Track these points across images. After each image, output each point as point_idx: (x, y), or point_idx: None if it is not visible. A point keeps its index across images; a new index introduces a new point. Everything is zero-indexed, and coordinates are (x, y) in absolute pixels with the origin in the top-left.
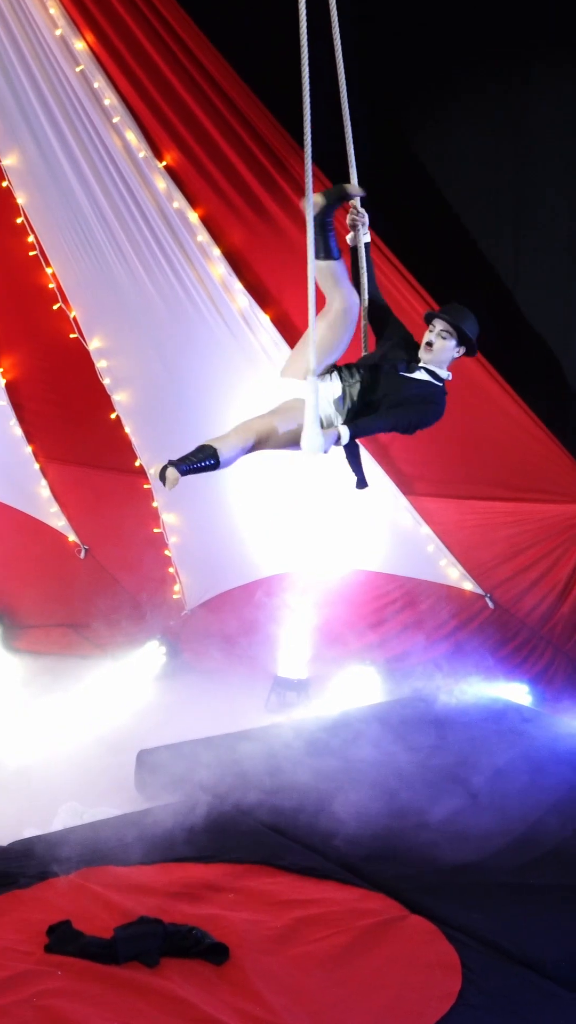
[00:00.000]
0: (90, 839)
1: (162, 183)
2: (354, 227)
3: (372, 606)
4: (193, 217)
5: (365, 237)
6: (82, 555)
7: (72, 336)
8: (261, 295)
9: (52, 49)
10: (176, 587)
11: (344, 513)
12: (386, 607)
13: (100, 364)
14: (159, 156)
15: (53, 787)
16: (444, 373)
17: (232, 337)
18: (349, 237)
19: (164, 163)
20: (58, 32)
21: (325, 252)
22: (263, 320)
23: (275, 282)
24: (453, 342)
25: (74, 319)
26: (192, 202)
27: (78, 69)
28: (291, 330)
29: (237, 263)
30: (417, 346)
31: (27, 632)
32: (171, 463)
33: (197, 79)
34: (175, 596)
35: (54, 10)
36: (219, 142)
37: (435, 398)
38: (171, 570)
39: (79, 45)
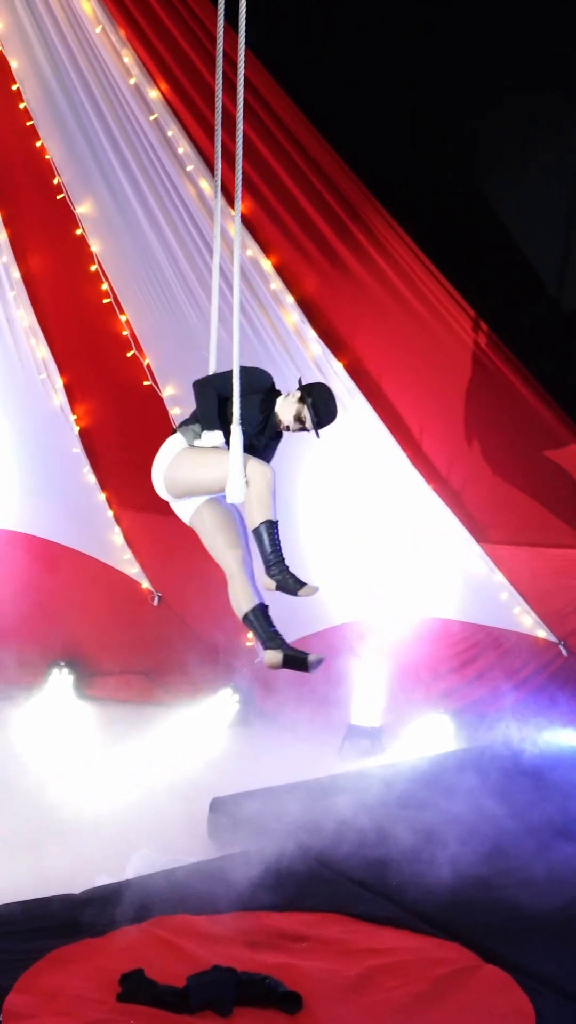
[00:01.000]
0: (163, 887)
1: (233, 230)
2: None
3: (445, 654)
4: (267, 265)
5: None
6: (155, 602)
7: (146, 383)
8: (334, 342)
9: (126, 98)
10: (249, 634)
11: (417, 560)
12: (459, 655)
13: (174, 411)
14: (233, 204)
15: (126, 835)
16: None
17: None
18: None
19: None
20: (132, 81)
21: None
22: (336, 367)
23: (348, 329)
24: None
25: (148, 366)
26: (266, 250)
27: (152, 118)
28: (364, 377)
29: (310, 310)
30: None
31: (100, 679)
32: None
33: (271, 127)
34: (248, 643)
35: (128, 59)
36: (292, 190)
37: None
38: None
39: (153, 94)
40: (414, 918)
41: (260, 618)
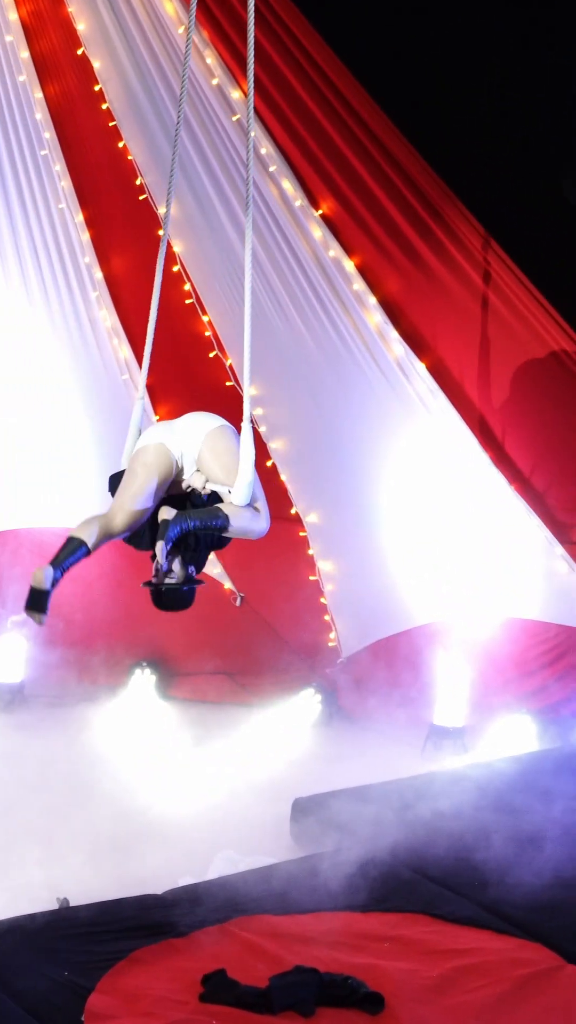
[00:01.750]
0: (245, 888)
1: (318, 232)
2: None
3: (528, 654)
4: (349, 266)
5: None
6: (238, 603)
7: (228, 384)
8: (417, 343)
9: (209, 98)
10: (332, 635)
11: (499, 561)
12: (542, 655)
13: (256, 412)
14: (315, 205)
15: (209, 835)
16: None
17: (388, 385)
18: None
19: (320, 212)
20: (215, 82)
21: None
22: (419, 368)
23: (431, 330)
24: None
25: (230, 367)
26: (348, 251)
27: (234, 118)
28: (447, 378)
29: (393, 311)
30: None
31: (183, 680)
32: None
33: (352, 127)
34: (331, 644)
35: (211, 60)
36: (374, 190)
37: None
38: (327, 618)
39: (235, 94)
40: (497, 919)
41: (72, 551)
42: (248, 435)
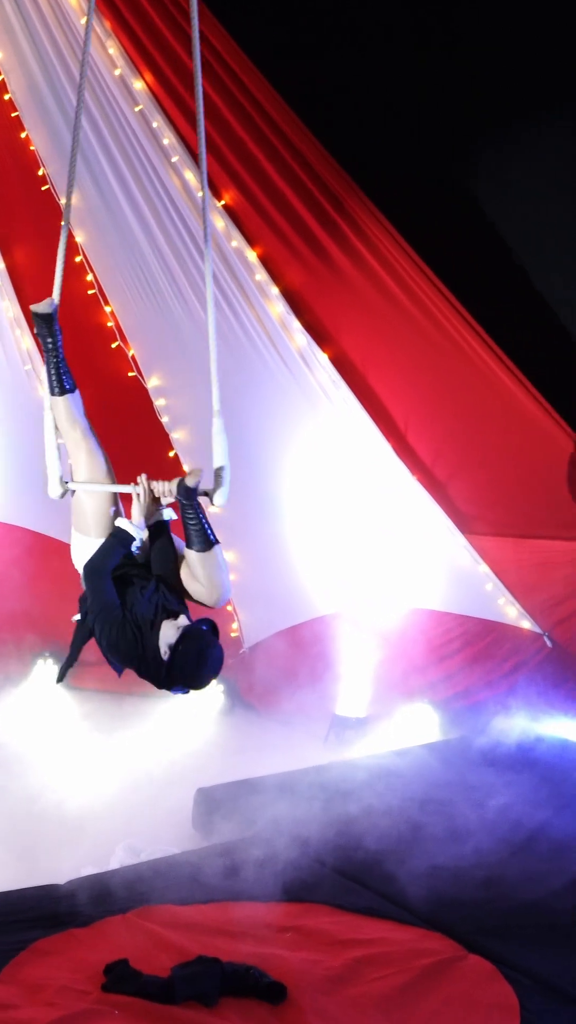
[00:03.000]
0: (148, 877)
1: (220, 222)
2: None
3: (430, 645)
4: (251, 256)
5: (160, 515)
6: None
7: (131, 375)
8: (319, 333)
9: (111, 89)
10: (234, 625)
11: (402, 552)
12: (444, 646)
13: (158, 403)
14: (218, 195)
15: (111, 825)
16: None
17: (290, 375)
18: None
19: (223, 202)
20: (117, 72)
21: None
22: (321, 359)
23: (333, 321)
24: None
25: (132, 358)
26: (250, 241)
27: (137, 109)
28: (349, 369)
29: (295, 302)
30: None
31: (86, 669)
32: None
33: (255, 118)
34: (233, 634)
35: (113, 50)
36: (277, 181)
37: None
38: (229, 608)
39: (138, 85)
40: (399, 909)
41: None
42: (220, 428)
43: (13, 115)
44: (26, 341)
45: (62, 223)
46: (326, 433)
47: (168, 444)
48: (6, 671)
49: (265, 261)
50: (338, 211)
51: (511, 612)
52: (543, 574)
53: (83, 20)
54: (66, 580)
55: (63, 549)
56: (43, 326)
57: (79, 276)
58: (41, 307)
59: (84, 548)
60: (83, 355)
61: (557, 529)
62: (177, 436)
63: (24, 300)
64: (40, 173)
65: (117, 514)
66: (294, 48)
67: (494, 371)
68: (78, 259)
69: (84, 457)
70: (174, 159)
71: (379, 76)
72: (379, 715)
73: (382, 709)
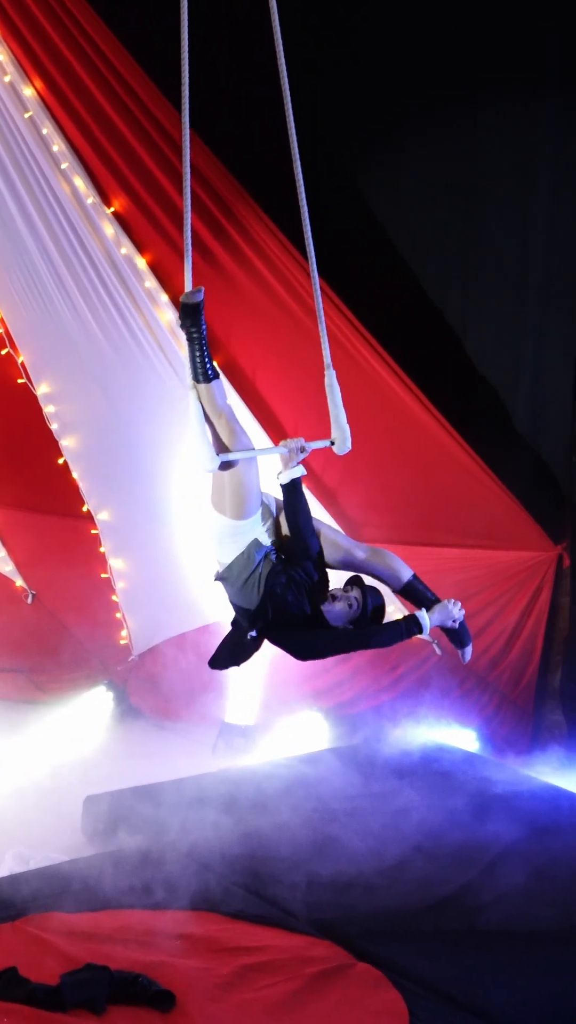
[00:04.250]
0: (36, 885)
1: (110, 229)
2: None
3: None
4: (141, 263)
5: (292, 472)
6: (29, 600)
7: (20, 381)
8: (209, 340)
9: (0, 95)
10: (123, 632)
11: None
12: None
13: (48, 409)
14: (107, 202)
15: None
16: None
17: (179, 382)
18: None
19: (112, 209)
20: (7, 78)
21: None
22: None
23: (223, 328)
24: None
25: (22, 364)
26: (140, 248)
27: (27, 115)
28: (238, 376)
29: None
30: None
31: None
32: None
33: (145, 125)
34: (122, 641)
35: (2, 56)
36: (167, 188)
37: None
38: (118, 615)
39: (28, 91)
40: (287, 916)
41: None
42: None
43: None
44: None
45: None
46: None
47: (57, 451)
48: None
49: (155, 268)
50: (227, 217)
51: None
52: (432, 581)
53: None
54: None
55: None
56: (192, 316)
57: None
58: (192, 297)
59: (225, 530)
60: None
61: (448, 535)
62: (66, 443)
63: None
64: None
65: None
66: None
67: (384, 378)
68: None
69: (230, 438)
70: (64, 165)
71: (267, 77)
72: (268, 723)
73: (271, 717)
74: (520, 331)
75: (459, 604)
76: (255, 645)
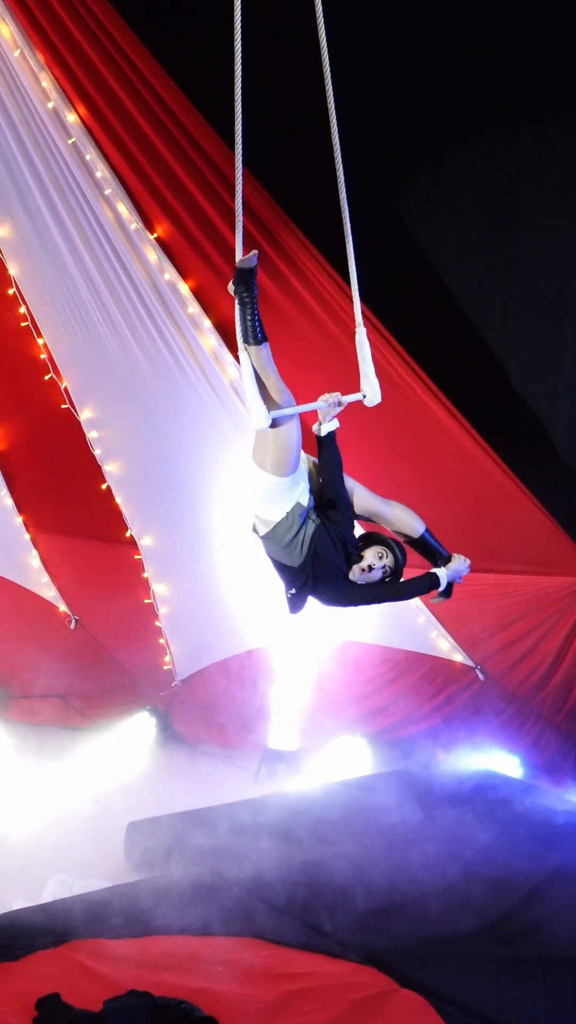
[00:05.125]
0: (79, 911)
1: (153, 255)
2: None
3: (362, 677)
4: (184, 289)
5: (329, 425)
6: (72, 625)
7: (63, 407)
8: None
9: (44, 121)
10: (166, 657)
11: None
12: (376, 678)
13: (91, 434)
14: (150, 228)
15: (42, 858)
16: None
17: (222, 407)
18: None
19: (155, 235)
20: (50, 105)
21: (253, 335)
22: None
23: None
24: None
25: (65, 389)
26: (183, 274)
27: (70, 141)
28: None
29: (228, 334)
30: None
31: (17, 702)
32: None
33: (188, 151)
34: (165, 667)
35: (46, 83)
36: (210, 214)
37: None
38: (161, 641)
39: (71, 117)
40: (330, 943)
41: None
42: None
43: None
44: None
45: None
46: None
47: (101, 477)
48: None
49: (198, 294)
50: (271, 244)
51: (443, 645)
52: (474, 607)
53: (16, 52)
54: (12, 616)
55: (7, 588)
56: (247, 279)
57: (11, 308)
58: (247, 262)
59: (272, 488)
60: (15, 386)
61: (487, 561)
62: (109, 469)
63: None
64: None
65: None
66: (224, 75)
67: (425, 402)
68: (11, 291)
69: (279, 396)
70: (107, 191)
71: (309, 103)
72: (311, 748)
73: (314, 742)
74: (560, 355)
75: (468, 561)
76: (300, 600)
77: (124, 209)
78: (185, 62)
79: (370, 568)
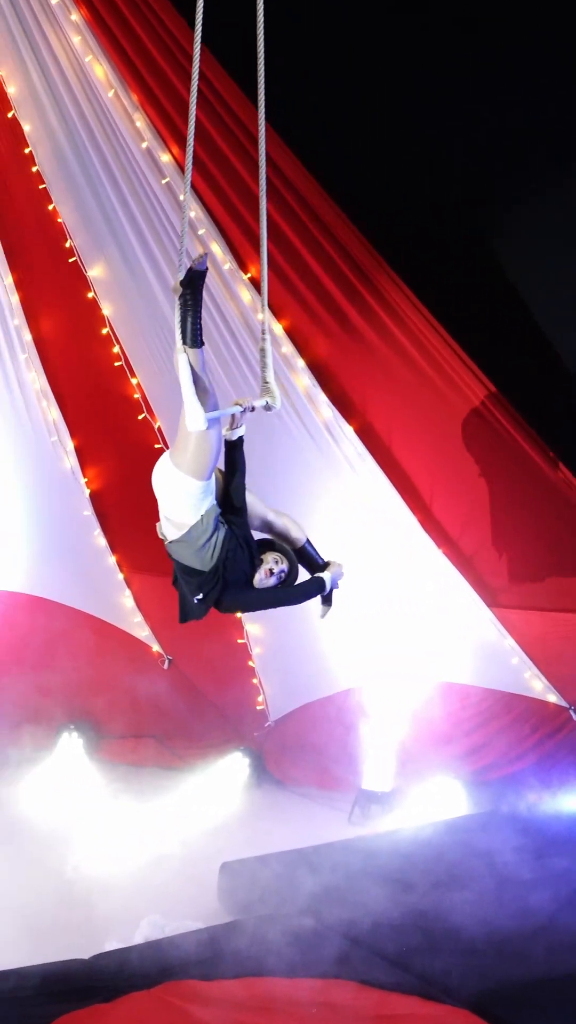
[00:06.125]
0: (172, 952)
1: (247, 295)
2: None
3: (456, 718)
4: (278, 329)
5: (240, 431)
6: (165, 665)
7: (156, 446)
8: (345, 406)
9: (138, 161)
10: (260, 698)
11: (427, 625)
12: (470, 719)
13: None
14: (244, 268)
15: (136, 899)
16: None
17: (316, 448)
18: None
19: (249, 275)
20: (144, 145)
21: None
22: (347, 431)
23: (359, 394)
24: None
25: (159, 429)
26: (276, 314)
27: (164, 181)
28: (375, 441)
29: (322, 374)
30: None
31: (110, 743)
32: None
33: (282, 192)
34: (259, 707)
35: (140, 123)
36: (304, 254)
37: None
38: (255, 681)
39: (165, 158)
40: (424, 984)
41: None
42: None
43: (40, 187)
44: (52, 412)
45: (90, 295)
46: (350, 504)
47: None
48: (31, 744)
49: (291, 333)
50: (363, 283)
51: (537, 686)
52: (568, 647)
53: (111, 93)
54: (85, 651)
55: (82, 620)
56: (197, 283)
57: (106, 347)
58: (200, 263)
59: (193, 491)
60: (109, 426)
61: None
62: None
63: (50, 370)
64: (67, 245)
65: None
66: (317, 116)
67: (520, 444)
68: (104, 331)
69: (205, 400)
70: (201, 231)
71: (409, 145)
72: (404, 789)
73: (407, 783)
74: None
75: (343, 565)
76: (203, 607)
77: (218, 249)
78: (274, 98)
79: (270, 572)
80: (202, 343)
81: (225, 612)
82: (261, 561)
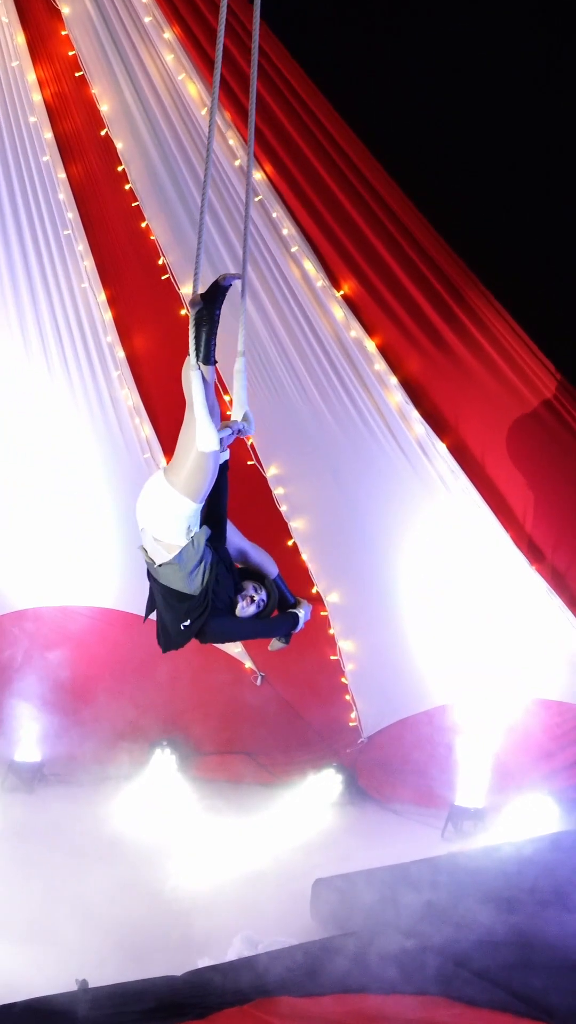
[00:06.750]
0: (265, 969)
1: (340, 312)
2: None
3: (550, 734)
4: (371, 346)
5: (225, 453)
6: (258, 682)
7: (249, 463)
8: (438, 423)
9: (231, 179)
10: (352, 714)
11: (520, 641)
12: (563, 735)
13: (277, 491)
14: (337, 285)
15: (229, 916)
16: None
17: (409, 465)
18: None
19: (342, 292)
20: (236, 163)
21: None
22: (440, 448)
23: (452, 411)
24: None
25: (252, 446)
26: (369, 331)
27: (257, 199)
28: (468, 458)
29: (415, 391)
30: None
31: (203, 759)
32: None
33: (374, 208)
34: (352, 723)
35: (232, 141)
36: (396, 271)
37: None
38: (348, 697)
39: (258, 176)
40: (519, 1002)
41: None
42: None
43: (134, 205)
44: (145, 429)
45: (183, 312)
46: (443, 521)
47: (287, 533)
48: (125, 759)
49: (384, 351)
50: (456, 301)
51: None
52: None
53: (204, 111)
54: (178, 668)
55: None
56: (219, 299)
57: None
58: (229, 279)
59: (189, 513)
60: None
61: None
62: (296, 525)
63: (143, 388)
64: (160, 262)
65: None
66: (412, 137)
67: None
68: None
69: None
70: (293, 249)
71: (497, 165)
72: (498, 806)
73: (501, 800)
74: None
75: (310, 606)
76: (188, 634)
77: (311, 266)
78: (368, 118)
79: (251, 600)
80: (215, 360)
81: (206, 643)
82: (242, 588)
